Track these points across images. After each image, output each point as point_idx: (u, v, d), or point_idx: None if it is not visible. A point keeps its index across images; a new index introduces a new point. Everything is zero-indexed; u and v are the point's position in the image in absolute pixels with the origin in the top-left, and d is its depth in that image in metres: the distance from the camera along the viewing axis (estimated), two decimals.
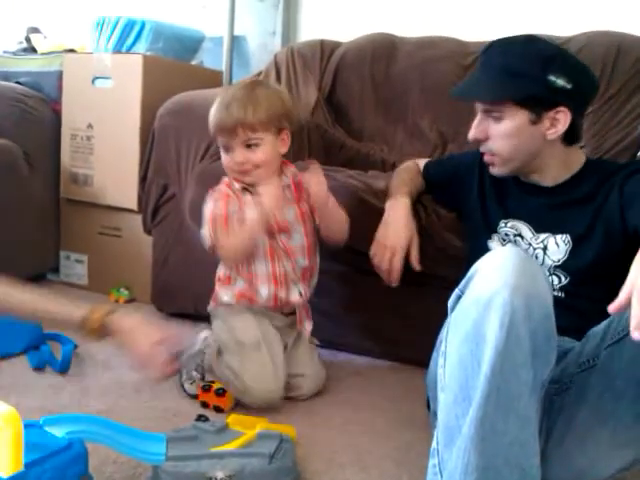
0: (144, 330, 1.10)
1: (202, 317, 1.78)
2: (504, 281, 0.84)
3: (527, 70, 1.14)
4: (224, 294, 1.41)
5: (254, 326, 1.36)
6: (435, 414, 1.06)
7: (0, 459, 0.81)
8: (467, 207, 1.34)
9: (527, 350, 0.82)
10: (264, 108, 1.29)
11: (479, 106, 1.21)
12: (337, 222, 1.38)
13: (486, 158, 1.24)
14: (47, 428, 0.94)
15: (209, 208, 1.34)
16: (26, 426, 0.86)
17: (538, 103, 1.14)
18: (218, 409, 1.32)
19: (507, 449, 0.80)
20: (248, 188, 1.35)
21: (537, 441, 0.83)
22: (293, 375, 1.39)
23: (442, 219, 1.46)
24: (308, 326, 1.44)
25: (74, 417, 1.00)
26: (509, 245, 1.21)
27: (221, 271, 1.43)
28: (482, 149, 1.23)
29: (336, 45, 2.26)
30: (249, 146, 1.30)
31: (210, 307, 1.45)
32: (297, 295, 1.39)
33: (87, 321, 1.09)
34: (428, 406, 1.22)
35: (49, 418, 0.96)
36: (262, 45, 2.57)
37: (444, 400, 0.88)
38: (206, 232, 1.33)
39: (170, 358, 1.09)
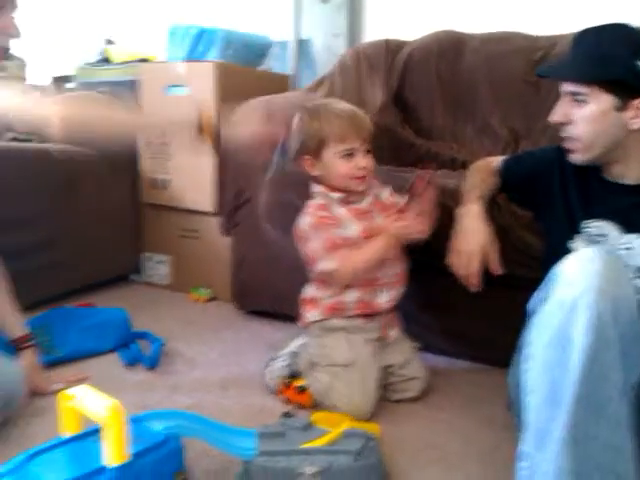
0: None
1: (280, 315, 1.85)
2: (589, 284, 0.84)
3: (617, 54, 1.12)
4: (311, 316, 1.42)
5: (346, 347, 1.37)
6: (519, 416, 1.07)
7: (108, 449, 0.88)
8: (547, 206, 1.31)
9: (616, 353, 0.82)
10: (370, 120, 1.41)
11: (564, 89, 1.19)
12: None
13: (567, 144, 1.22)
14: (147, 423, 1.00)
15: (317, 240, 1.34)
16: (130, 420, 0.93)
17: (625, 89, 1.12)
18: (299, 406, 1.36)
19: (600, 454, 0.80)
20: (346, 200, 1.38)
21: (632, 445, 0.83)
22: (406, 378, 1.43)
23: (519, 219, 1.45)
24: (394, 332, 1.46)
25: (170, 413, 1.07)
26: (592, 246, 1.20)
27: (308, 294, 1.44)
28: (563, 134, 1.22)
29: (401, 44, 2.27)
30: (366, 153, 1.37)
31: (301, 325, 1.47)
32: (383, 300, 1.40)
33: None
34: (509, 407, 1.23)
35: (148, 414, 1.02)
36: (327, 47, 2.60)
37: (532, 403, 0.88)
38: (326, 264, 1.33)
39: None
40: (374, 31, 2.52)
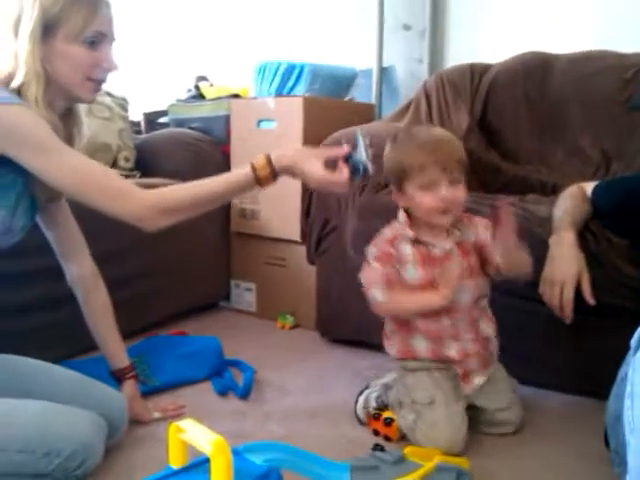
0: (308, 159, 1.22)
1: (364, 344, 1.86)
2: None
3: None
4: (390, 349, 1.41)
5: (428, 385, 1.33)
6: (616, 453, 1.03)
7: None
8: None
9: None
10: (461, 147, 1.32)
11: None
12: (521, 267, 1.29)
13: None
14: (247, 455, 1.04)
15: (376, 270, 1.33)
16: (232, 452, 0.96)
17: None
18: (386, 438, 1.36)
19: None
20: (418, 240, 1.33)
21: None
22: (498, 410, 1.38)
23: (614, 246, 1.41)
24: (479, 379, 1.37)
25: (268, 445, 1.09)
26: None
27: (387, 328, 1.42)
28: None
29: (486, 68, 2.25)
30: (452, 183, 1.27)
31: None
32: (453, 352, 1.34)
33: (257, 171, 1.21)
34: (605, 442, 1.18)
35: (248, 446, 1.05)
36: (409, 73, 2.61)
37: (635, 445, 0.85)
38: (376, 294, 1.32)
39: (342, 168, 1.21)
40: (457, 56, 2.50)
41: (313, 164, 1.21)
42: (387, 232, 1.36)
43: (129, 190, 1.18)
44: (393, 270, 1.32)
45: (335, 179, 1.21)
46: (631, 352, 0.95)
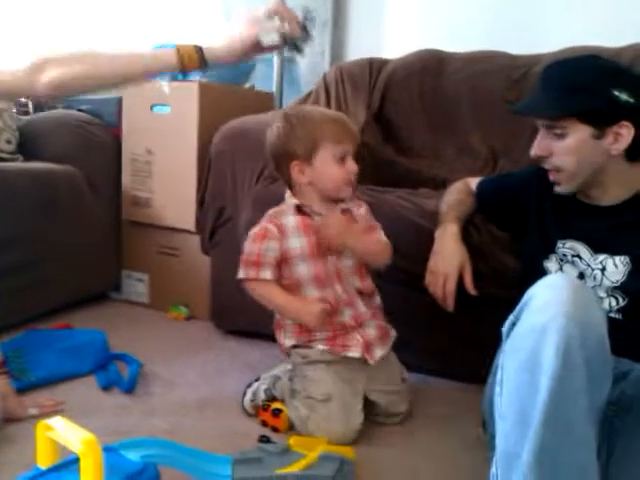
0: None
1: (259, 335, 1.84)
2: (559, 309, 0.85)
3: (590, 85, 1.15)
4: (287, 340, 1.40)
5: (326, 381, 1.33)
6: (492, 437, 1.07)
7: None
8: (523, 226, 1.34)
9: (583, 377, 0.83)
10: None
11: (541, 123, 1.22)
12: (375, 254, 1.39)
13: (552, 177, 1.24)
14: (123, 452, 0.99)
15: (246, 246, 1.36)
16: (104, 450, 0.92)
17: (601, 118, 1.15)
18: (274, 429, 1.36)
19: (566, 474, 0.82)
20: (302, 209, 1.36)
21: (596, 465, 0.84)
22: (390, 403, 1.41)
23: (496, 239, 1.47)
24: (379, 351, 1.39)
25: (146, 441, 1.05)
26: (564, 271, 1.22)
27: (277, 317, 1.42)
28: (546, 166, 1.24)
29: (384, 63, 2.28)
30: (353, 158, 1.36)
31: (282, 350, 1.44)
32: (348, 317, 1.36)
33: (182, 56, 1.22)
34: (483, 427, 1.23)
35: (124, 443, 1.01)
36: (311, 65, 2.61)
37: (502, 427, 0.89)
38: (240, 273, 1.35)
39: None
40: (358, 49, 2.54)
41: None
42: (270, 210, 1.40)
43: None
44: (270, 248, 1.33)
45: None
46: (503, 340, 0.99)
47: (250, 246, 1.35)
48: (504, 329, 0.98)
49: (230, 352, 1.83)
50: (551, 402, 0.82)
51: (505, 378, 0.93)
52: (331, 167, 1.33)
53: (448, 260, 1.35)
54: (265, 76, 2.49)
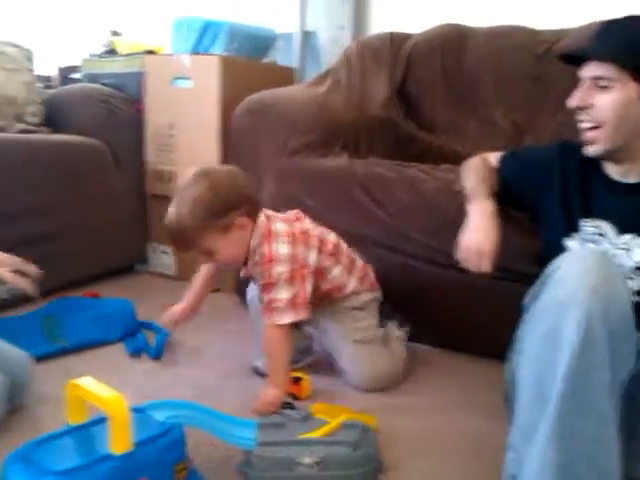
0: None
1: None
2: (581, 283, 0.85)
3: None
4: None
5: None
6: (511, 408, 1.09)
7: (112, 438, 0.91)
8: (545, 204, 1.30)
9: (604, 351, 0.83)
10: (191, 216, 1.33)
11: (586, 74, 1.17)
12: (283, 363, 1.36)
13: (587, 135, 1.19)
14: (150, 412, 1.03)
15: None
16: (132, 410, 0.96)
17: None
18: (294, 397, 1.38)
19: (586, 448, 0.82)
20: None
21: (617, 440, 0.84)
22: None
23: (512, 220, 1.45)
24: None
25: (173, 403, 1.09)
26: (588, 246, 1.19)
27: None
28: (584, 118, 1.19)
29: (406, 37, 2.27)
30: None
31: None
32: None
33: None
34: (505, 401, 1.24)
35: (151, 404, 1.05)
36: (332, 39, 2.60)
37: (521, 400, 0.90)
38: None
39: None
40: (379, 23, 2.52)
41: None
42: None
43: None
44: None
45: None
46: (524, 312, 1.00)
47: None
48: (525, 301, 0.99)
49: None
50: (570, 376, 0.82)
51: (525, 349, 0.94)
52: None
53: (485, 238, 1.27)
54: (286, 51, 2.49)
